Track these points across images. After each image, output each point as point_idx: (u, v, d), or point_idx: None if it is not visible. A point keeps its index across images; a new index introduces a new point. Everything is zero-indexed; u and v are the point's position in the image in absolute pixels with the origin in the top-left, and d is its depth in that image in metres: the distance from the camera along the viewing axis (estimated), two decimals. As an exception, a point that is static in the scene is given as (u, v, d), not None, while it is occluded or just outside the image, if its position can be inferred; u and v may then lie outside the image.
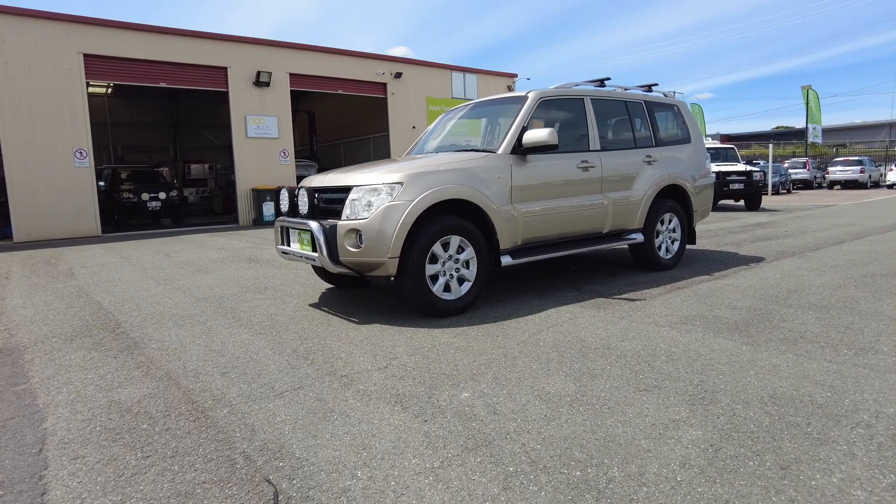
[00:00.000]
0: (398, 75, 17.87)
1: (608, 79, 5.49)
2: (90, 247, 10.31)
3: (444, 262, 4.07)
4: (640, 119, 5.58)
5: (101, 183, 15.62)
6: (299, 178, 17.51)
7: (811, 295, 4.42)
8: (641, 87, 5.96)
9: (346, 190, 4.02)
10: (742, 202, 14.64)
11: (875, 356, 2.95)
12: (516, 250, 4.52)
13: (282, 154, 15.83)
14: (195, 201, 21.91)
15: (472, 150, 4.70)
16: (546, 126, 4.93)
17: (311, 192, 4.30)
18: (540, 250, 4.65)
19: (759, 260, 6.18)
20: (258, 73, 14.89)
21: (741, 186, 13.62)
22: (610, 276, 5.50)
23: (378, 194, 3.90)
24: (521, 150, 4.49)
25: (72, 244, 10.95)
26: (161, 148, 22.90)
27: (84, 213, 12.43)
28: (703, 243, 7.74)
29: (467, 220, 4.18)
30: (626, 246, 5.76)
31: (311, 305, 4.69)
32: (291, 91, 15.82)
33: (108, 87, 19.12)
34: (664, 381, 2.71)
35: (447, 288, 4.11)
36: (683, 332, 3.50)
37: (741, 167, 13.88)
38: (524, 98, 4.80)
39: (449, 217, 4.08)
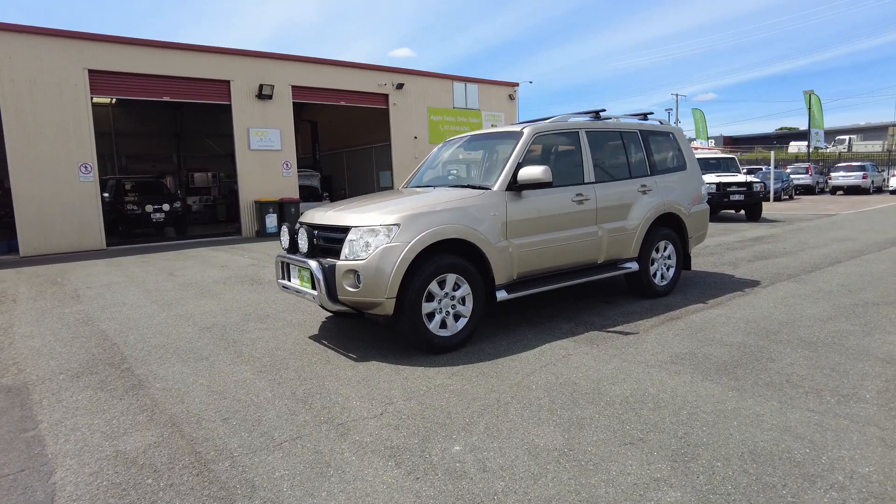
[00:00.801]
0: (400, 86, 17.99)
1: (603, 110, 5.59)
2: (95, 262, 10.45)
3: (440, 300, 4.16)
4: (635, 148, 5.67)
5: (106, 194, 15.80)
6: (301, 189, 17.67)
7: (802, 328, 4.50)
8: (637, 115, 6.06)
9: (345, 230, 4.13)
10: (743, 212, 14.67)
11: (857, 405, 3.03)
12: (512, 284, 4.62)
13: (284, 166, 15.96)
14: (199, 210, 22.08)
15: (468, 186, 4.80)
16: (541, 159, 5.02)
17: (311, 230, 4.41)
18: (535, 283, 4.75)
19: (754, 284, 6.25)
20: (261, 86, 15.03)
21: (741, 198, 13.68)
22: (605, 305, 5.59)
23: (376, 235, 4.00)
24: (516, 187, 4.58)
25: (77, 259, 11.10)
26: (165, 157, 23.08)
27: (89, 227, 12.59)
28: (701, 263, 7.82)
29: (463, 258, 4.28)
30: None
31: (310, 338, 4.80)
32: (294, 101, 15.96)
33: (112, 97, 19.30)
34: (650, 432, 2.80)
35: (443, 324, 4.21)
36: (673, 374, 3.59)
37: (741, 178, 13.94)
38: (520, 133, 4.90)
39: (445, 256, 4.17)
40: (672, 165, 6.04)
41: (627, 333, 4.56)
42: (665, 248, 5.83)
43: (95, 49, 12.55)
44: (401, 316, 4.02)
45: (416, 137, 18.60)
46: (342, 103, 17.14)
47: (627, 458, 2.56)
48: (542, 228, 4.74)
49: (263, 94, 15.15)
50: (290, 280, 4.61)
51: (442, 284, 4.17)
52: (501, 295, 4.49)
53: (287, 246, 4.66)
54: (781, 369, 3.61)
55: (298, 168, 18.30)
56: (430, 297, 4.12)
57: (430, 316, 4.15)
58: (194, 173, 22.96)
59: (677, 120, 49.78)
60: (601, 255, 5.24)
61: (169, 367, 4.16)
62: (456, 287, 4.24)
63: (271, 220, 15.14)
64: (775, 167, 23.44)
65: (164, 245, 13.33)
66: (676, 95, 46.69)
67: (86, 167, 12.46)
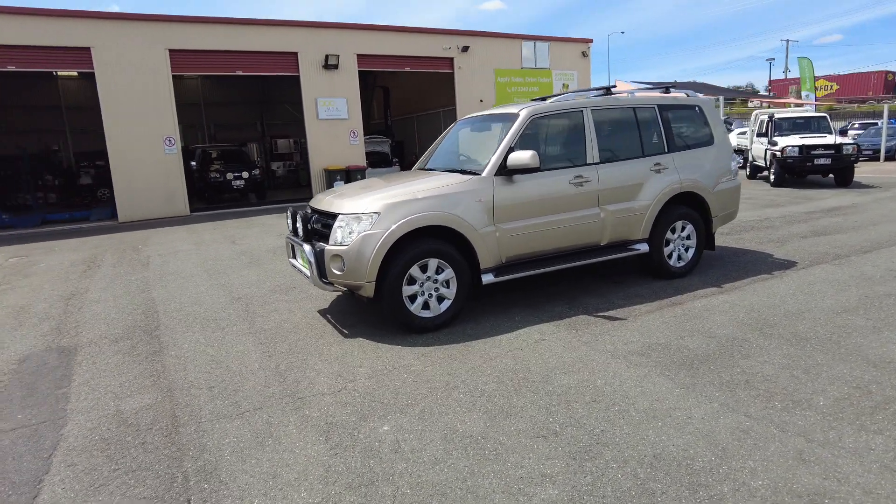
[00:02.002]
0: (465, 49, 17.79)
1: (614, 86, 5.38)
2: (175, 229, 11.65)
3: (422, 283, 4.38)
4: (650, 125, 5.43)
5: (193, 163, 17.24)
6: (372, 155, 18.26)
7: (805, 321, 4.25)
8: (658, 87, 5.75)
9: (334, 217, 4.42)
10: (832, 177, 13.29)
11: (801, 412, 2.92)
12: (500, 268, 4.72)
13: (351, 134, 16.53)
14: (282, 175, 23.42)
15: (461, 171, 4.89)
16: (538, 142, 4.97)
17: (310, 214, 4.76)
18: (527, 266, 4.81)
19: (788, 266, 5.85)
20: (326, 56, 15.52)
21: (827, 161, 12.39)
22: (614, 285, 5.52)
23: (360, 222, 4.26)
24: (505, 172, 4.62)
25: (163, 225, 12.42)
26: (250, 124, 24.57)
27: (174, 195, 13.95)
28: (747, 238, 7.36)
29: (447, 242, 4.43)
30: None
31: (319, 311, 5.21)
32: (360, 70, 16.33)
33: (192, 74, 20.72)
34: (569, 426, 2.90)
35: (427, 306, 4.44)
36: (632, 366, 3.60)
37: (829, 140, 12.58)
38: (515, 116, 4.88)
39: (428, 241, 4.36)
40: (696, 141, 5.70)
41: (615, 319, 4.53)
42: (683, 229, 5.59)
43: (175, 30, 13.57)
44: (382, 298, 4.29)
45: (481, 101, 18.42)
46: (407, 69, 17.30)
47: (531, 451, 2.70)
48: (534, 212, 4.75)
49: (329, 65, 15.64)
50: (296, 259, 5.01)
51: (424, 268, 4.37)
52: (488, 278, 4.61)
53: (291, 228, 5.04)
54: (750, 368, 3.49)
55: (370, 134, 18.84)
56: (412, 281, 4.35)
57: (413, 298, 4.39)
58: (277, 140, 24.26)
59: (786, 68, 44.91)
60: (604, 237, 5.16)
61: (189, 335, 4.75)
62: (440, 270, 4.43)
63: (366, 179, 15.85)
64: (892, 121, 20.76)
65: (239, 211, 14.47)
66: (787, 41, 42.00)
67: (170, 140, 13.72)
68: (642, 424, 2.89)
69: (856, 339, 3.85)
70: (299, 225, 4.74)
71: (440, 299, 4.48)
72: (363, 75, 17.00)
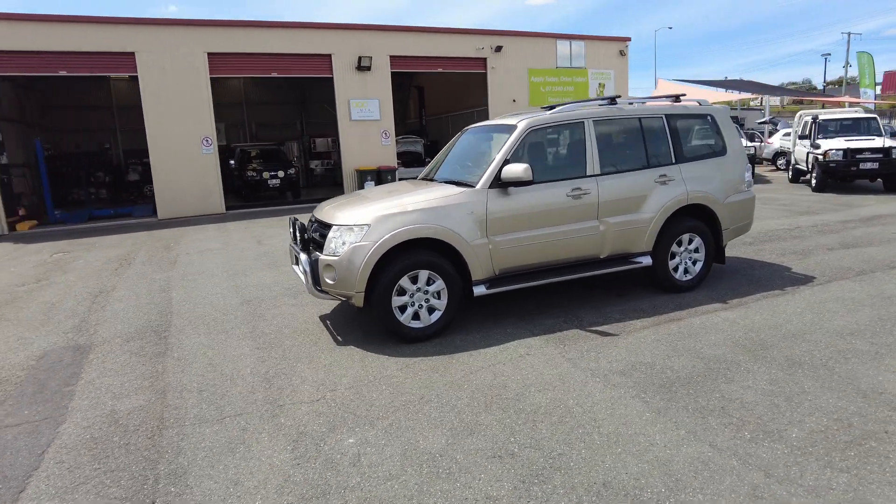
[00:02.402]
0: (498, 49, 17.71)
1: (619, 96, 5.29)
2: (208, 227, 12.11)
3: (412, 294, 4.45)
4: (656, 135, 5.31)
5: (232, 161, 17.84)
6: (405, 154, 18.48)
7: (804, 343, 4.09)
8: (668, 97, 5.61)
9: (330, 227, 4.54)
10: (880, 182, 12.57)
11: (769, 445, 2.83)
12: (493, 279, 4.73)
13: (383, 135, 16.74)
14: (321, 173, 23.88)
15: (457, 182, 4.92)
16: (536, 154, 4.95)
17: (309, 224, 4.90)
18: (521, 279, 4.80)
19: (804, 281, 5.62)
20: (360, 58, 15.76)
21: (875, 165, 11.73)
22: (616, 298, 5.44)
23: (351, 233, 4.37)
24: (500, 184, 4.63)
25: (198, 223, 12.94)
26: (290, 124, 25.16)
27: (211, 194, 14.50)
28: (767, 249, 7.09)
29: (439, 254, 4.49)
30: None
31: (320, 317, 5.36)
32: (393, 71, 16.50)
33: (232, 76, 21.32)
34: (528, 448, 2.91)
35: (417, 316, 4.50)
36: (609, 387, 3.56)
37: (878, 143, 11.91)
38: (513, 128, 4.87)
39: (419, 252, 4.42)
40: (707, 151, 5.55)
41: (606, 335, 4.48)
42: (690, 242, 5.45)
43: (213, 34, 14.08)
44: (372, 308, 4.38)
45: (514, 101, 18.30)
46: (439, 70, 17.37)
47: (484, 471, 2.73)
48: (529, 225, 4.74)
49: (362, 66, 15.88)
50: (297, 266, 5.17)
51: (415, 279, 4.44)
52: (479, 290, 4.64)
53: (292, 236, 5.20)
54: (730, 393, 3.41)
55: (404, 134, 19.00)
56: (403, 292, 4.42)
57: (403, 308, 4.46)
58: (316, 139, 24.76)
59: (847, 63, 42.60)
60: (604, 250, 5.09)
61: (195, 337, 4.97)
62: (430, 282, 4.48)
63: (370, 188, 16.11)
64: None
65: (273, 210, 14.90)
66: (848, 34, 39.72)
67: (207, 140, 14.26)
68: (601, 449, 2.87)
69: (852, 366, 3.69)
70: (297, 234, 4.89)
71: (430, 310, 4.54)
72: (399, 75, 17.16)
